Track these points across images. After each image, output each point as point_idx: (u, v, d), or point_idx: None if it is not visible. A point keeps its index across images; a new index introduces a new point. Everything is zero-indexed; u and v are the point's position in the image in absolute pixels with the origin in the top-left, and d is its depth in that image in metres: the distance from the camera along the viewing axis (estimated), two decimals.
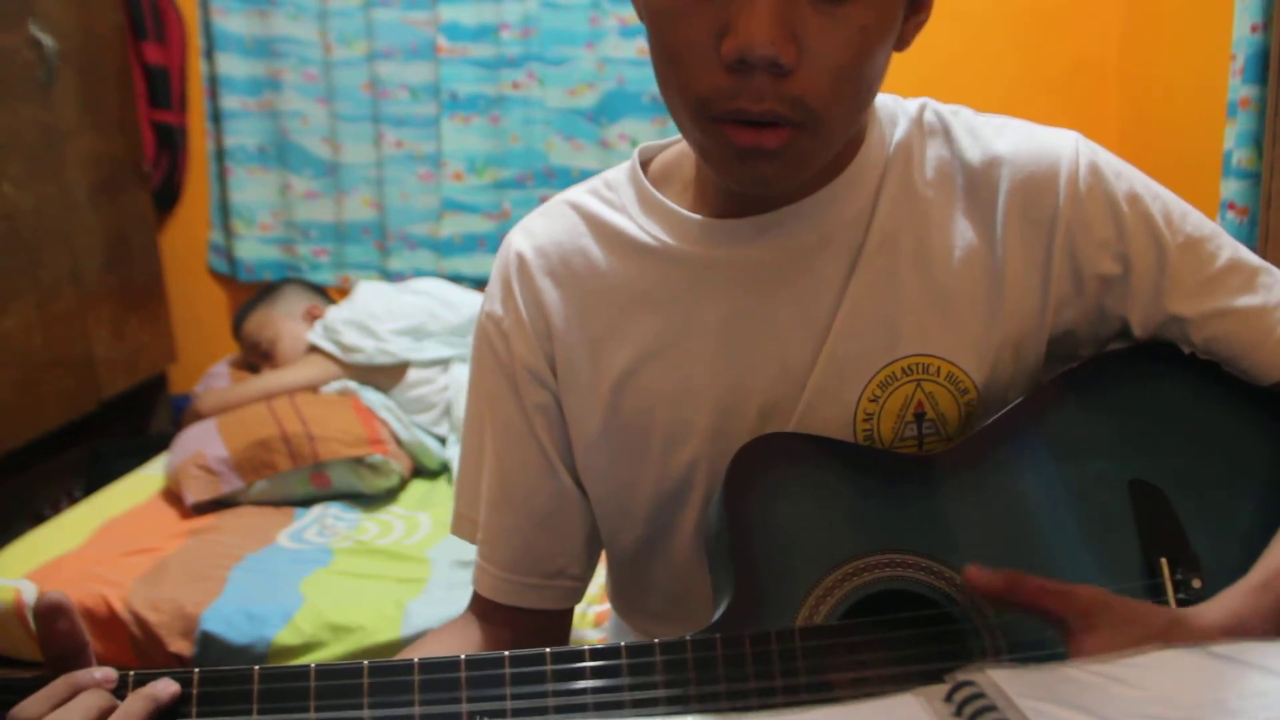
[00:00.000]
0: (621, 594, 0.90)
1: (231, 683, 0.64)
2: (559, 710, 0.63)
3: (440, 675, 0.64)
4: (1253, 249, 0.78)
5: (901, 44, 0.69)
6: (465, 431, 0.86)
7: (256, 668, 0.64)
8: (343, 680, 0.63)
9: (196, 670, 0.64)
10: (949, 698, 0.58)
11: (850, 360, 0.75)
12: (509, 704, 0.63)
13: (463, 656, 0.64)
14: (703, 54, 0.63)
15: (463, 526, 0.86)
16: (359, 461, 2.15)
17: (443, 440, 2.37)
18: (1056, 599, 0.64)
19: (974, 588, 0.65)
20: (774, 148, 0.65)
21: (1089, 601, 0.64)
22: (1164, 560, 0.71)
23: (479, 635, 0.83)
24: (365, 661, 0.64)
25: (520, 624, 0.83)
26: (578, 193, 0.83)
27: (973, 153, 0.77)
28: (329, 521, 2.07)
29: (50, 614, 0.63)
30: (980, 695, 0.57)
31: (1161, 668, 0.58)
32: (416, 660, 0.64)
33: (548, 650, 0.64)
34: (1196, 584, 0.71)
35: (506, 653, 0.64)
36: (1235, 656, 0.59)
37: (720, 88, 0.64)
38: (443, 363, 2.40)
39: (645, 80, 2.66)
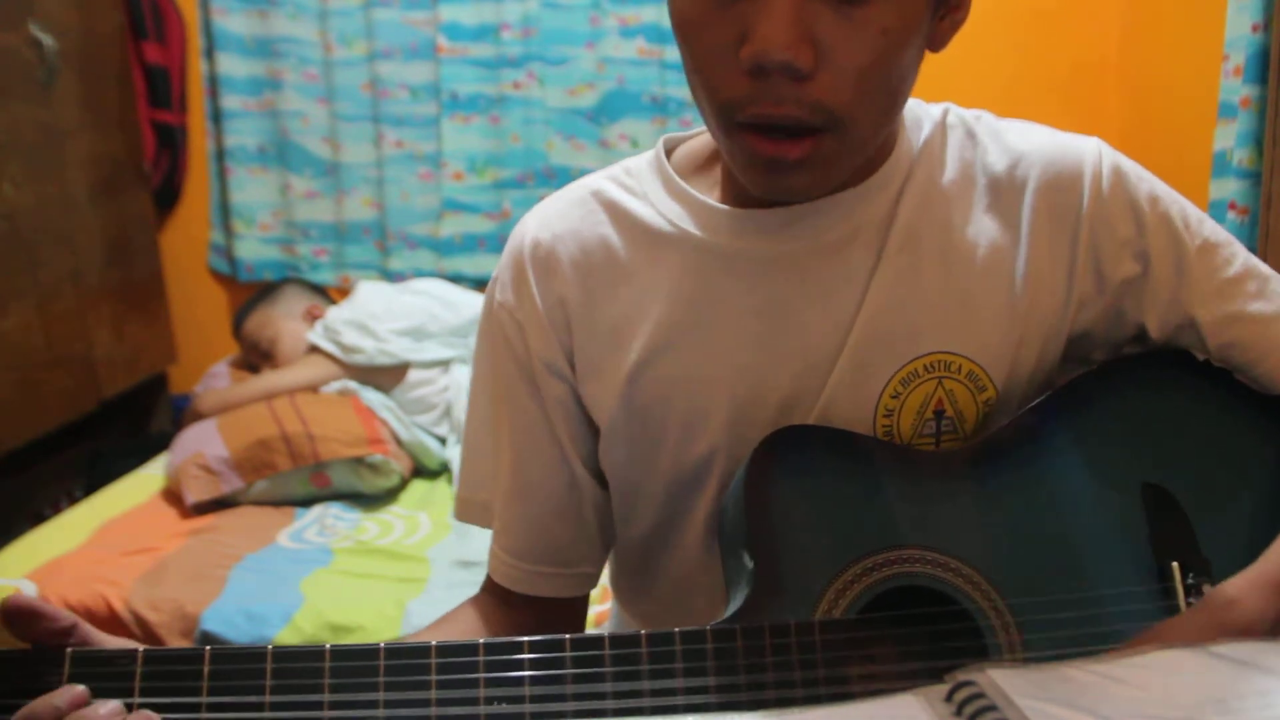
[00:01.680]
0: (627, 580, 0.90)
1: (244, 661, 0.62)
2: (577, 698, 0.63)
3: (458, 659, 0.63)
4: (1253, 249, 0.79)
5: (935, 45, 0.70)
6: (471, 414, 0.85)
7: (270, 646, 0.63)
8: (358, 662, 0.63)
9: (208, 649, 0.63)
10: (949, 697, 0.58)
11: (873, 356, 0.75)
12: (527, 689, 0.63)
13: (481, 641, 0.63)
14: (725, 61, 0.64)
15: (467, 510, 0.86)
16: (359, 461, 2.15)
17: (443, 440, 2.37)
18: None
19: None
20: (797, 158, 0.66)
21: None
22: (1175, 564, 0.71)
23: (498, 618, 0.83)
24: (382, 644, 0.63)
25: (538, 608, 0.84)
26: (597, 179, 0.83)
27: (997, 154, 0.78)
28: (329, 521, 2.07)
29: (22, 619, 0.62)
30: (980, 695, 0.57)
31: (1161, 668, 0.58)
32: (434, 644, 0.63)
33: (568, 637, 0.64)
34: (1207, 588, 0.71)
35: (525, 639, 0.64)
36: (1235, 656, 0.59)
37: (742, 94, 0.64)
38: (443, 363, 2.40)
39: (645, 80, 2.66)
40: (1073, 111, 2.53)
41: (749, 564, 0.69)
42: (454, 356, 2.41)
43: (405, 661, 0.63)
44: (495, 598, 0.85)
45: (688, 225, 0.77)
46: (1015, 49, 2.58)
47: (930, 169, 0.77)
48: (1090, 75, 2.58)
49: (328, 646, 0.63)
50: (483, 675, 0.63)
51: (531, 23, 2.66)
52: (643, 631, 0.64)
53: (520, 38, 2.67)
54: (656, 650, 0.64)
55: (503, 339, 0.81)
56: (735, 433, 0.76)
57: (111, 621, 1.72)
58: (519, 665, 0.63)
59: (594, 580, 0.86)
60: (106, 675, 0.62)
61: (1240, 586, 0.66)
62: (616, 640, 0.64)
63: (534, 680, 0.63)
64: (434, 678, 0.63)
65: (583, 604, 0.87)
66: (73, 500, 2.38)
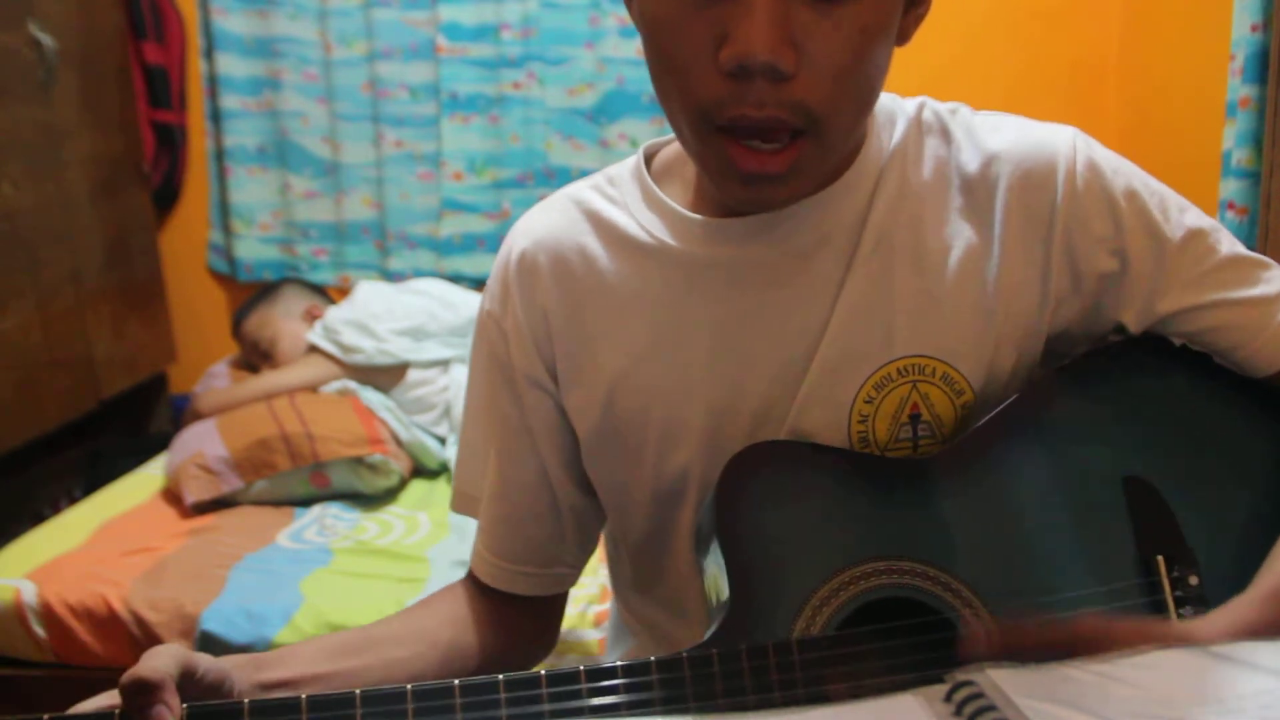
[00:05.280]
0: (629, 587, 0.90)
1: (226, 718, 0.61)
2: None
3: (435, 703, 0.62)
4: (1252, 249, 0.78)
5: (902, 38, 0.69)
6: (466, 410, 0.87)
7: (246, 701, 0.61)
8: (336, 712, 0.61)
9: (246, 702, 0.62)
10: (948, 697, 0.58)
11: (845, 361, 0.74)
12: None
13: (456, 683, 0.63)
14: (701, 62, 0.63)
15: (462, 502, 0.88)
16: (359, 461, 2.15)
17: (442, 440, 2.37)
18: (1059, 633, 0.63)
19: (975, 654, 0.63)
20: (780, 172, 0.65)
21: (1093, 630, 0.63)
22: (1160, 558, 0.71)
23: (479, 607, 0.85)
24: (357, 691, 0.62)
25: (516, 602, 0.86)
26: (581, 188, 0.83)
27: (970, 151, 0.76)
28: (329, 521, 2.07)
29: (142, 694, 0.60)
30: (980, 695, 0.57)
31: (1161, 668, 0.58)
32: (410, 688, 0.62)
33: (543, 673, 0.63)
34: (1193, 581, 0.70)
35: (501, 676, 0.63)
36: (1234, 656, 0.59)
37: (720, 96, 0.63)
38: (443, 363, 2.40)
39: (645, 80, 2.65)
40: (1073, 111, 2.53)
41: (724, 584, 0.68)
42: (453, 356, 2.41)
43: (383, 709, 0.61)
44: (477, 586, 0.87)
45: (664, 235, 0.77)
46: (1015, 49, 2.58)
47: (904, 170, 0.76)
48: (1091, 75, 2.58)
49: (358, 693, 0.62)
50: (460, 717, 0.62)
51: (531, 23, 2.66)
52: (619, 663, 0.64)
53: (520, 38, 2.67)
54: (633, 681, 0.63)
55: (488, 345, 0.83)
56: (711, 444, 0.76)
57: (111, 621, 1.72)
58: (495, 705, 0.62)
59: (571, 580, 0.88)
60: None
61: (1209, 635, 0.64)
62: (592, 673, 0.64)
63: (512, 718, 0.62)
64: (410, 706, 0.61)
65: (561, 600, 0.90)
66: (73, 500, 2.38)
